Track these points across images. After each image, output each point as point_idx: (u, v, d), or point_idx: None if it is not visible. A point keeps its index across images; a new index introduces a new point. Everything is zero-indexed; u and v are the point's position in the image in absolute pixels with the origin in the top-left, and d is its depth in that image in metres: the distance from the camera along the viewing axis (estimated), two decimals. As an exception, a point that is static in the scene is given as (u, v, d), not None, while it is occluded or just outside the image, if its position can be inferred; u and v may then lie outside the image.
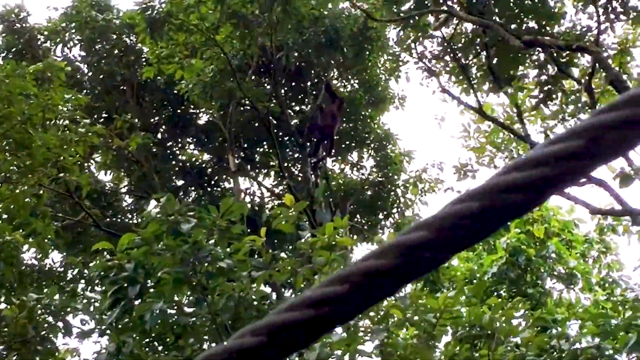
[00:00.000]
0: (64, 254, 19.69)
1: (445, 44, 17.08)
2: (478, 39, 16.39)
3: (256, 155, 22.65)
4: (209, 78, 18.68)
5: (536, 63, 16.19)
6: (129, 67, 21.47)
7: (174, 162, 22.86)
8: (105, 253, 8.73)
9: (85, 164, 19.45)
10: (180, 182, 22.76)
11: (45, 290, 13.46)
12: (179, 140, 22.94)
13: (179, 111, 22.22)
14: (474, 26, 16.06)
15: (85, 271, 16.49)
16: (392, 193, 22.09)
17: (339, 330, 7.36)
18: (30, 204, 11.68)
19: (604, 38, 15.45)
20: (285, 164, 21.08)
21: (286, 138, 21.73)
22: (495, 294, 17.04)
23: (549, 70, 15.98)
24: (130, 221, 21.01)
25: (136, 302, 7.87)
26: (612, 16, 15.08)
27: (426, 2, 15.87)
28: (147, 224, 7.90)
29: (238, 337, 0.88)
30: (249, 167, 22.53)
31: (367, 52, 20.71)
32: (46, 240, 12.40)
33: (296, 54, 20.25)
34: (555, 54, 14.99)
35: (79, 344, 10.92)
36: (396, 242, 0.83)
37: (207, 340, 8.43)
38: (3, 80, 11.53)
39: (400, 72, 20.24)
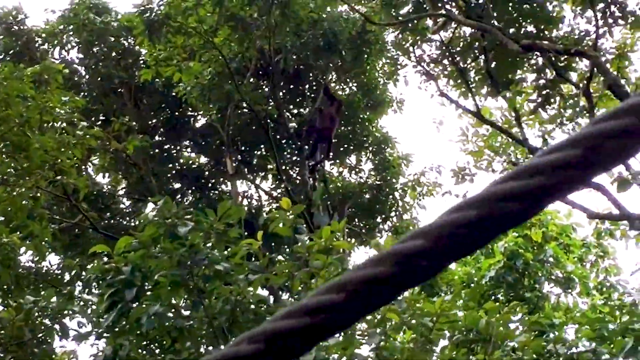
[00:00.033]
0: (61, 256, 19.70)
1: (444, 48, 17.11)
2: (476, 43, 16.41)
3: (254, 158, 22.63)
4: (207, 81, 18.69)
5: (534, 67, 16.21)
6: (126, 69, 21.47)
7: (171, 165, 22.85)
8: (103, 256, 8.73)
9: (83, 167, 19.44)
10: (177, 185, 22.76)
11: (42, 292, 13.44)
12: (177, 143, 22.93)
13: (176, 114, 22.24)
14: (473, 30, 16.07)
15: (83, 273, 16.48)
16: (390, 196, 22.10)
17: (335, 333, 7.33)
18: (28, 206, 11.66)
19: (602, 42, 15.49)
20: (283, 167, 21.09)
21: (284, 141, 21.73)
22: (493, 297, 17.06)
23: (547, 74, 15.99)
24: (128, 223, 21.01)
25: (133, 305, 7.86)
26: (610, 21, 15.09)
27: (425, 6, 15.89)
28: (144, 227, 7.90)
29: (235, 344, 0.88)
30: (246, 170, 22.51)
31: (366, 56, 20.71)
32: (43, 243, 12.39)
33: (294, 57, 20.24)
34: (553, 58, 15.01)
35: (76, 346, 10.91)
36: (393, 251, 0.83)
37: (204, 343, 8.42)
38: (1, 83, 11.52)
39: (399, 75, 20.28)
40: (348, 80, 22.27)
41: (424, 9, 15.98)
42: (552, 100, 16.15)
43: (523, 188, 0.78)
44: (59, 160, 12.29)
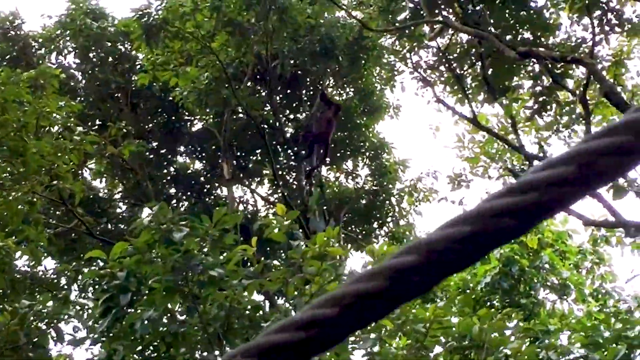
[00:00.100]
0: (57, 261, 19.67)
1: (441, 54, 17.12)
2: (473, 50, 16.43)
3: (250, 164, 22.63)
4: (204, 85, 18.69)
5: (531, 74, 16.23)
6: (123, 74, 21.47)
7: (166, 171, 22.85)
8: (99, 260, 8.73)
9: (80, 172, 19.42)
10: (173, 190, 22.74)
11: (38, 297, 13.42)
12: (173, 147, 22.92)
13: (173, 118, 22.22)
14: (469, 37, 16.09)
15: (79, 278, 16.45)
16: (387, 202, 22.10)
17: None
18: (23, 210, 11.65)
19: (599, 50, 15.52)
20: (280, 172, 21.10)
21: (280, 146, 21.73)
22: (489, 304, 17.05)
23: (544, 81, 16.01)
24: (124, 228, 20.99)
25: (128, 311, 7.86)
26: (606, 28, 15.12)
27: (421, 13, 15.91)
28: (140, 233, 7.90)
29: (228, 358, 0.88)
30: (242, 175, 22.51)
31: (363, 61, 20.73)
32: (39, 248, 12.39)
33: (291, 62, 20.27)
34: (550, 65, 15.02)
35: (72, 350, 10.90)
36: (386, 265, 0.83)
37: (199, 349, 8.42)
38: (-2, 87, 11.53)
39: (396, 81, 20.31)
40: (345, 85, 22.28)
41: (421, 15, 16.00)
42: (549, 107, 16.17)
43: (517, 204, 0.78)
44: (56, 165, 12.27)
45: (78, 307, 10.47)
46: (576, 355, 9.36)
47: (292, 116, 22.52)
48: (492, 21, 15.52)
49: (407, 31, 16.72)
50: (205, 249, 8.05)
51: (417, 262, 0.81)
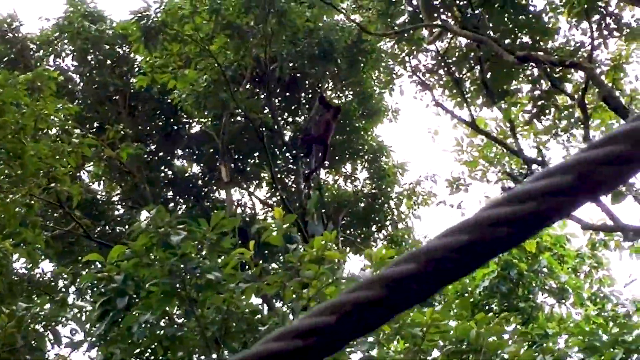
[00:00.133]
0: (55, 263, 19.65)
1: (439, 58, 17.14)
2: (472, 54, 16.45)
3: (249, 166, 22.62)
4: (203, 88, 18.68)
5: (530, 78, 16.25)
6: (121, 77, 21.46)
7: (163, 174, 22.84)
8: (97, 263, 8.72)
9: (77, 174, 19.41)
10: (171, 193, 22.73)
11: (35, 299, 13.42)
12: (171, 150, 22.91)
13: (171, 121, 22.22)
14: (468, 41, 16.11)
15: (77, 280, 16.44)
16: (386, 205, 22.10)
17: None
18: (21, 213, 11.64)
19: (597, 54, 15.55)
20: (278, 175, 21.09)
21: (279, 149, 21.72)
22: (487, 307, 17.05)
23: (543, 85, 16.04)
24: (122, 230, 20.97)
25: (126, 314, 7.85)
26: (605, 32, 15.14)
27: (420, 16, 15.93)
28: (137, 236, 7.89)
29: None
30: (241, 178, 22.49)
31: (361, 65, 20.73)
32: (36, 250, 12.36)
33: (290, 65, 20.27)
34: (548, 70, 15.04)
35: (69, 353, 10.87)
36: (385, 274, 0.83)
37: (197, 353, 8.41)
38: (-4, 90, 11.52)
39: (394, 84, 20.30)
40: (344, 89, 22.28)
41: (420, 19, 16.02)
42: (547, 111, 16.20)
43: (514, 213, 0.78)
44: (53, 168, 12.27)
45: (76, 310, 10.45)
46: (574, 359, 9.36)
47: (290, 119, 22.52)
48: (491, 25, 15.54)
49: (406, 35, 16.74)
50: (203, 253, 8.04)
51: (416, 270, 0.81)
